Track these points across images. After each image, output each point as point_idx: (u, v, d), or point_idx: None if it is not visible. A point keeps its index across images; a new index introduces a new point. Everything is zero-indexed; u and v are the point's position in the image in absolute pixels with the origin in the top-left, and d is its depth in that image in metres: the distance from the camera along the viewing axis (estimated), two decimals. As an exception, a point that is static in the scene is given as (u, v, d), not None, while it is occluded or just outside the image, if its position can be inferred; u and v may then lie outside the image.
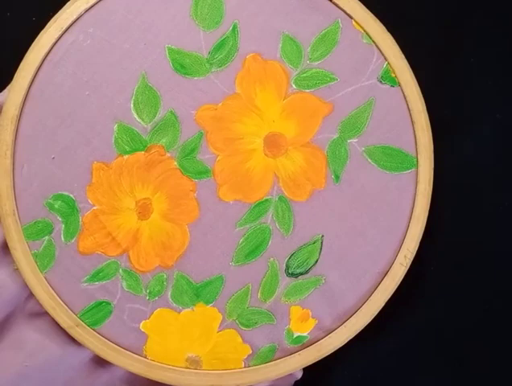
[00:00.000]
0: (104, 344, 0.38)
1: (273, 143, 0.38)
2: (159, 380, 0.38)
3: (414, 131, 0.39)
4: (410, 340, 0.43)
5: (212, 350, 0.38)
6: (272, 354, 0.39)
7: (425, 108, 0.38)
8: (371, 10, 0.38)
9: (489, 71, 0.43)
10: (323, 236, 0.39)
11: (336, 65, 0.38)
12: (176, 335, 0.38)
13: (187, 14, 0.37)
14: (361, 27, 0.38)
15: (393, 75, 0.38)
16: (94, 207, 0.38)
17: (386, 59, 0.38)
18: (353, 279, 0.39)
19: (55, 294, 0.38)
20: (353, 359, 0.43)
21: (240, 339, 0.39)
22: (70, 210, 0.38)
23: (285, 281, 0.39)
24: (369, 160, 0.39)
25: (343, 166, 0.38)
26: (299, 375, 0.40)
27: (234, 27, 0.38)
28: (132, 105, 0.38)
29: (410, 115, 0.38)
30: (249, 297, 0.38)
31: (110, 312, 0.38)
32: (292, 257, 0.38)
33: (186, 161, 0.38)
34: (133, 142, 0.38)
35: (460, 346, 0.43)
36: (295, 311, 0.39)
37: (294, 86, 0.38)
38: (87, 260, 0.38)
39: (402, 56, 0.38)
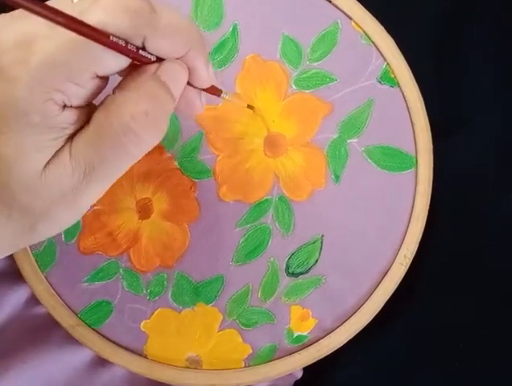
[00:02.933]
0: (104, 344, 0.38)
1: (273, 143, 0.38)
2: (160, 380, 0.38)
3: (413, 131, 0.39)
4: (409, 340, 0.43)
5: (212, 349, 0.38)
6: (272, 353, 0.39)
7: (424, 108, 0.39)
8: (370, 11, 0.39)
9: (488, 71, 0.43)
10: (323, 235, 0.39)
11: (335, 66, 0.38)
12: (177, 335, 0.38)
13: (187, 15, 0.38)
14: (361, 28, 0.38)
15: (392, 75, 0.39)
16: (95, 207, 0.38)
17: (385, 59, 0.39)
18: (353, 279, 0.39)
19: (55, 294, 0.38)
20: (353, 359, 0.43)
21: (240, 339, 0.39)
22: (71, 210, 0.38)
23: (285, 281, 0.39)
24: (369, 160, 0.39)
25: (343, 166, 0.39)
26: (299, 374, 0.40)
27: (234, 28, 0.38)
28: (132, 106, 0.38)
29: (410, 115, 0.39)
30: (249, 296, 0.38)
31: (111, 312, 0.38)
32: (292, 257, 0.39)
33: (186, 161, 0.38)
34: (133, 142, 0.38)
35: (459, 345, 0.43)
36: (295, 311, 0.39)
37: (294, 86, 0.38)
38: (87, 260, 0.38)
39: (402, 57, 0.39)
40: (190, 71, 0.26)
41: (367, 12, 0.38)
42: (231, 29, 0.38)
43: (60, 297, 0.38)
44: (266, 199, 0.38)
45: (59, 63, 0.22)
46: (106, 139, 0.24)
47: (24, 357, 0.38)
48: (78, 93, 0.23)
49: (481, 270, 0.43)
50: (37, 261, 0.37)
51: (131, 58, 0.24)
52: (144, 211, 0.38)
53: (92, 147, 0.24)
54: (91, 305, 0.38)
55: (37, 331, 0.39)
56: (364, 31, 0.38)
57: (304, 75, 0.38)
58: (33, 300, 0.39)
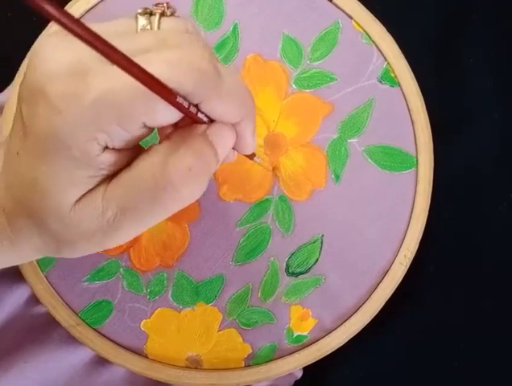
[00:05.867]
0: (104, 343, 0.38)
1: (273, 143, 0.38)
2: (160, 379, 0.38)
3: (413, 131, 0.39)
4: (409, 340, 0.43)
5: (212, 349, 0.38)
6: (272, 353, 0.39)
7: (425, 108, 0.39)
8: (371, 11, 0.38)
9: (487, 71, 0.43)
10: (323, 235, 0.39)
11: (336, 65, 0.38)
12: (177, 334, 0.38)
13: (188, 14, 0.38)
14: (361, 28, 0.38)
15: (392, 75, 0.38)
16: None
17: (385, 59, 0.38)
18: (353, 278, 0.39)
19: (55, 293, 0.38)
20: (353, 358, 0.43)
21: (240, 339, 0.39)
22: (71, 209, 0.38)
23: (285, 281, 0.39)
24: (369, 160, 0.39)
25: (343, 166, 0.39)
26: (299, 374, 0.40)
27: (235, 28, 0.38)
28: (133, 105, 0.38)
29: (410, 115, 0.39)
30: (249, 296, 0.38)
31: (111, 311, 0.38)
32: (292, 257, 0.39)
33: (186, 160, 0.38)
34: (133, 142, 0.38)
35: (459, 346, 0.43)
36: (295, 310, 0.39)
37: (294, 86, 0.38)
38: (87, 259, 0.38)
39: (402, 56, 0.39)
40: (237, 136, 0.26)
41: (368, 12, 0.38)
42: (231, 28, 0.38)
43: (60, 297, 0.38)
44: (267, 199, 0.38)
45: (113, 105, 0.21)
46: (144, 189, 0.23)
47: (24, 356, 0.38)
48: (122, 137, 0.23)
49: (480, 270, 0.43)
50: (37, 261, 0.37)
51: (187, 116, 0.23)
52: (144, 210, 0.38)
53: (128, 193, 0.23)
54: (91, 305, 0.38)
55: (37, 331, 0.39)
56: (364, 31, 0.38)
57: (304, 75, 0.38)
58: (33, 299, 0.39)
